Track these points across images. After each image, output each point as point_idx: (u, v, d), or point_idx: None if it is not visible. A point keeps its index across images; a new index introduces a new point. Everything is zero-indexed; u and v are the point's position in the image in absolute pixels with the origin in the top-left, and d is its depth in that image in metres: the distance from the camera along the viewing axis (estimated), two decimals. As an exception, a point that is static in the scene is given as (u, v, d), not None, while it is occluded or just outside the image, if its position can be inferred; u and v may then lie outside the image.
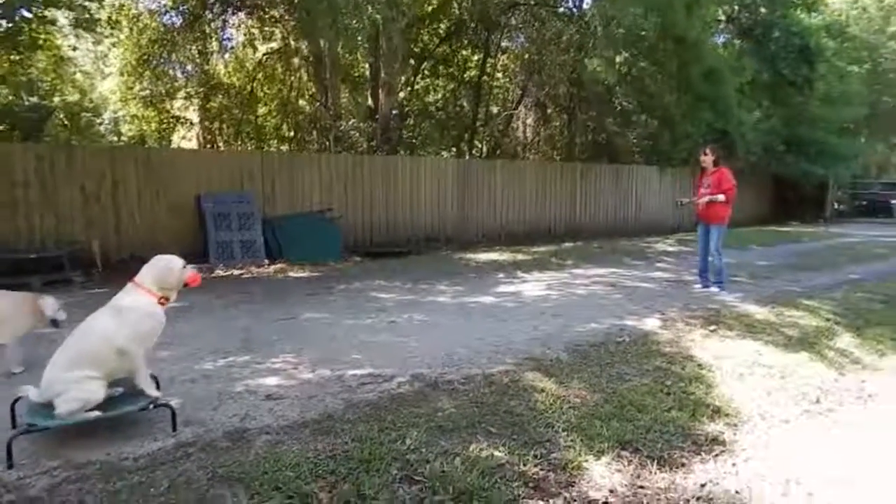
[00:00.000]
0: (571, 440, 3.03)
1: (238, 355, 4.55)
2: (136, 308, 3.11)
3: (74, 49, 14.57)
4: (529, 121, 20.83)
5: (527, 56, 17.48)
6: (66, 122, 16.42)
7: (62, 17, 10.58)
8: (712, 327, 5.44)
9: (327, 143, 15.99)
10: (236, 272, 8.92)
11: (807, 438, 3.20)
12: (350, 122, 15.96)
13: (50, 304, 4.22)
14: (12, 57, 11.97)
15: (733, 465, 2.88)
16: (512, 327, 5.49)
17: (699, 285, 7.53)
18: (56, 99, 16.25)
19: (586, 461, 2.83)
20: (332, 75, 15.04)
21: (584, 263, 9.96)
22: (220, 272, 8.88)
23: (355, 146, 15.02)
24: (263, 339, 5.06)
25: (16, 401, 3.09)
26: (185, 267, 3.30)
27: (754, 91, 17.12)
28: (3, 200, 8.44)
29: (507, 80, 19.86)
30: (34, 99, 14.56)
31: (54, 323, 4.22)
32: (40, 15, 9.36)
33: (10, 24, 9.49)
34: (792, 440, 3.17)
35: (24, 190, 8.61)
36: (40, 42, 11.16)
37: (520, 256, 10.62)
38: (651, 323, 5.65)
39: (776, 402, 3.66)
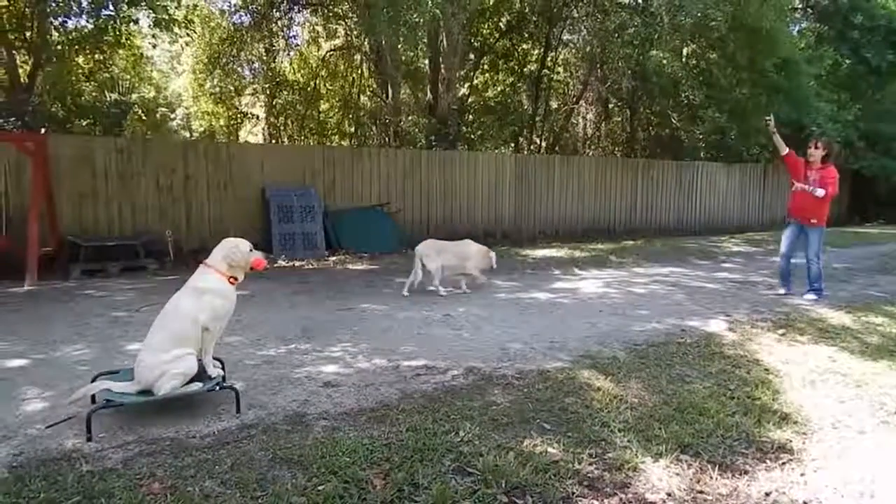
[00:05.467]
0: (628, 440, 2.96)
1: (299, 343, 4.70)
2: (211, 289, 3.30)
3: (154, 47, 15.35)
4: (590, 116, 20.42)
5: (589, 49, 17.11)
6: (143, 118, 17.35)
7: (143, 17, 11.17)
8: (781, 331, 5.19)
9: (387, 138, 16.22)
10: (298, 263, 9.20)
11: (884, 450, 3.01)
12: (409, 118, 16.11)
13: (494, 255, 6.86)
14: (96, 56, 12.76)
15: (801, 474, 2.74)
16: (568, 324, 5.41)
17: (783, 290, 6.89)
18: (134, 96, 17.20)
19: (643, 462, 2.76)
20: (393, 71, 15.20)
21: (644, 262, 9.70)
22: (282, 263, 9.19)
23: (414, 141, 15.15)
24: (323, 328, 5.20)
25: (95, 377, 3.30)
26: (251, 250, 3.48)
27: (832, 82, 16.17)
28: (86, 191, 9.02)
29: (568, 74, 19.53)
30: (115, 96, 15.45)
31: (491, 269, 6.92)
32: (124, 14, 9.91)
33: (95, 23, 10.11)
34: (867, 452, 2.99)
35: (105, 181, 9.17)
36: (122, 41, 11.84)
37: (577, 253, 10.45)
38: (715, 324, 5.45)
39: (850, 412, 3.46)
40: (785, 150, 6.63)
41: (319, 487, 2.47)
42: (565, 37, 17.67)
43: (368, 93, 18.10)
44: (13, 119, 10.11)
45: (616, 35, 14.96)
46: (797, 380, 3.95)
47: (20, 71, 11.61)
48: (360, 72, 17.43)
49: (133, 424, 3.06)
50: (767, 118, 6.70)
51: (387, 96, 16.42)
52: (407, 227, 11.53)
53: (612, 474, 2.66)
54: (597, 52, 16.54)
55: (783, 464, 2.83)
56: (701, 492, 2.56)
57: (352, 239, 10.34)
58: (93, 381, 3.25)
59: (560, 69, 19.10)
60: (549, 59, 17.47)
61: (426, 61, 16.03)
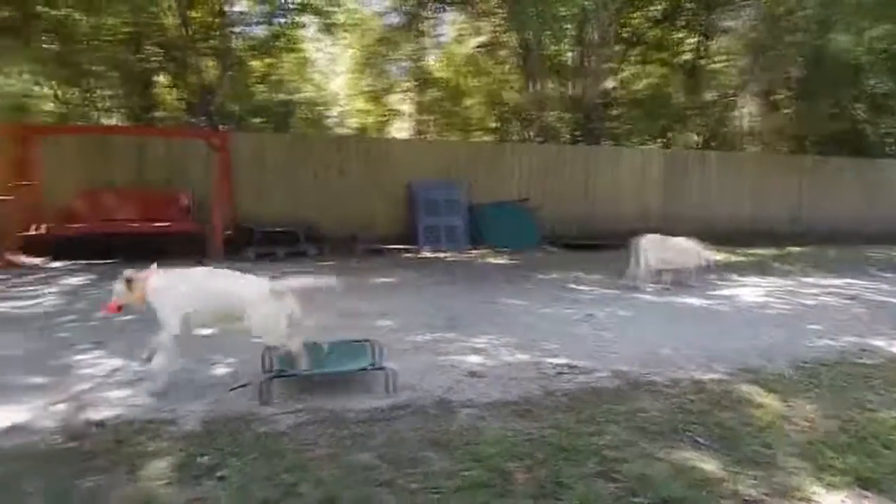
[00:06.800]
0: (795, 466, 2.70)
1: (444, 331, 4.86)
2: None
3: (320, 51, 16.65)
4: (752, 108, 18.71)
5: (753, 36, 15.66)
6: (305, 117, 18.88)
7: (311, 23, 12.19)
8: None
9: (530, 133, 16.14)
10: (441, 255, 9.51)
11: None
12: (553, 113, 15.88)
13: (707, 253, 6.96)
14: (268, 60, 14.14)
15: None
16: (725, 333, 5.04)
17: None
18: (298, 96, 18.77)
19: (815, 493, 2.50)
20: (538, 66, 15.07)
21: (814, 270, 8.71)
22: (426, 254, 9.56)
23: (558, 136, 14.93)
24: (466, 318, 5.33)
25: (264, 352, 3.67)
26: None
27: None
28: (258, 182, 10.05)
29: (727, 63, 18.03)
30: (283, 96, 17.00)
31: (707, 266, 6.98)
32: (295, 21, 10.90)
33: (275, 30, 11.25)
34: None
35: (273, 174, 10.15)
36: (292, 46, 13.01)
37: (734, 258, 9.67)
38: (904, 346, 4.76)
39: None
40: None
41: (465, 473, 2.55)
42: (725, 23, 16.33)
43: (512, 88, 18.12)
44: (202, 118, 11.52)
45: (784, 19, 13.54)
46: None
47: (206, 75, 13.19)
48: (504, 67, 17.50)
49: (301, 394, 3.37)
50: None
51: (531, 91, 16.32)
52: (548, 223, 11.40)
53: (778, 500, 2.44)
54: (762, 38, 15.09)
55: None
56: (887, 533, 2.27)
57: (492, 233, 10.45)
58: (263, 355, 3.61)
59: (718, 58, 17.70)
60: (705, 47, 16.27)
61: (570, 54, 15.69)
